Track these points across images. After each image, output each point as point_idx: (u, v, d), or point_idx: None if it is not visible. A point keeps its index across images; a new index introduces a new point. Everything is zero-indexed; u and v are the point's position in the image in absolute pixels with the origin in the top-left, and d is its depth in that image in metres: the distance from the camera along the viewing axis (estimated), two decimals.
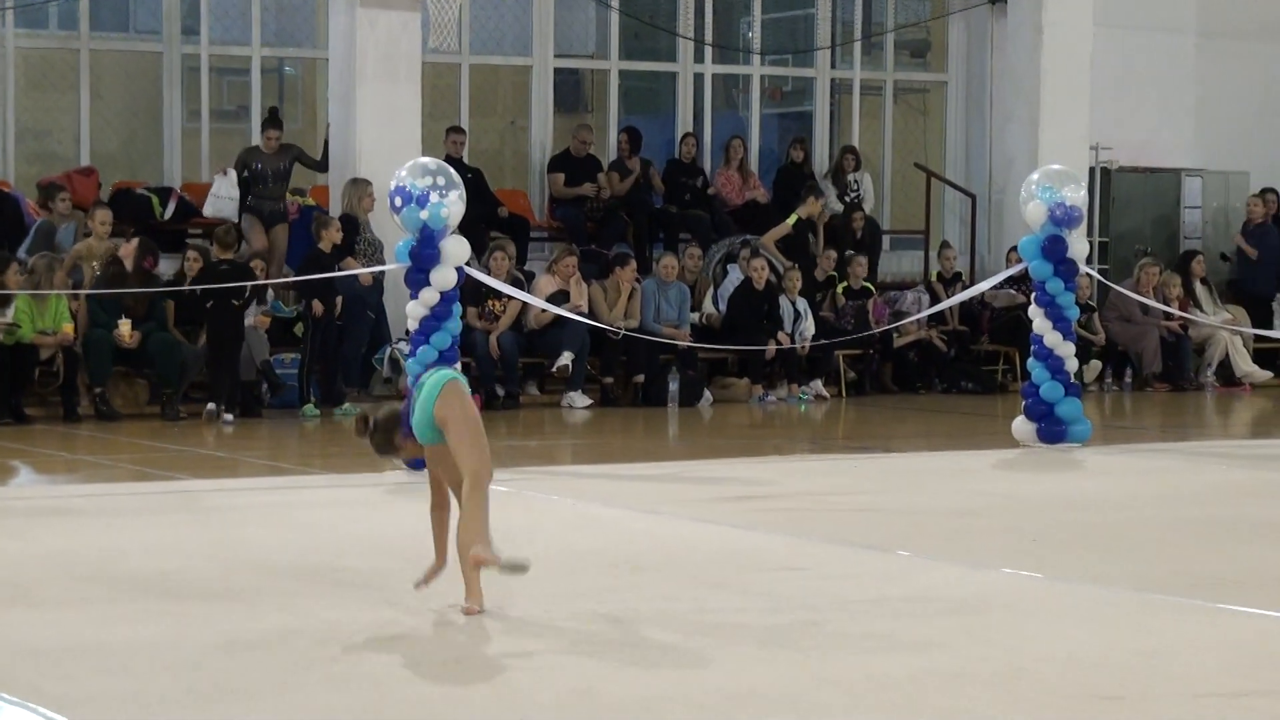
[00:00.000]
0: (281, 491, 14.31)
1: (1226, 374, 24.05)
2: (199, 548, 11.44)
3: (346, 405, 19.52)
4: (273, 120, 21.34)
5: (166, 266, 20.00)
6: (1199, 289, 24.40)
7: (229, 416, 18.55)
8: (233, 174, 21.04)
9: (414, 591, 9.23)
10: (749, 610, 9.40)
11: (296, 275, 19.78)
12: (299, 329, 19.84)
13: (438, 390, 9.20)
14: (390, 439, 9.53)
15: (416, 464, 11.00)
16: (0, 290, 18.23)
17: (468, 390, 9.42)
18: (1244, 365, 24.15)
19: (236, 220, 20.69)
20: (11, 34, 22.16)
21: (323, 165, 21.56)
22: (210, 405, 18.60)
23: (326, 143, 21.59)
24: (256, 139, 22.29)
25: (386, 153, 19.75)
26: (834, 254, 23.17)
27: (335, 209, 20.84)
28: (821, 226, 23.40)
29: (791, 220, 22.89)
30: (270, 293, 19.90)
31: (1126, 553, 11.58)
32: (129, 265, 19.03)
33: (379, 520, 12.97)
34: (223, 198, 21.11)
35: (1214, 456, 17.02)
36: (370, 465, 15.73)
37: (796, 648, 8.55)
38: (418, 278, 14.82)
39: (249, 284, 19.08)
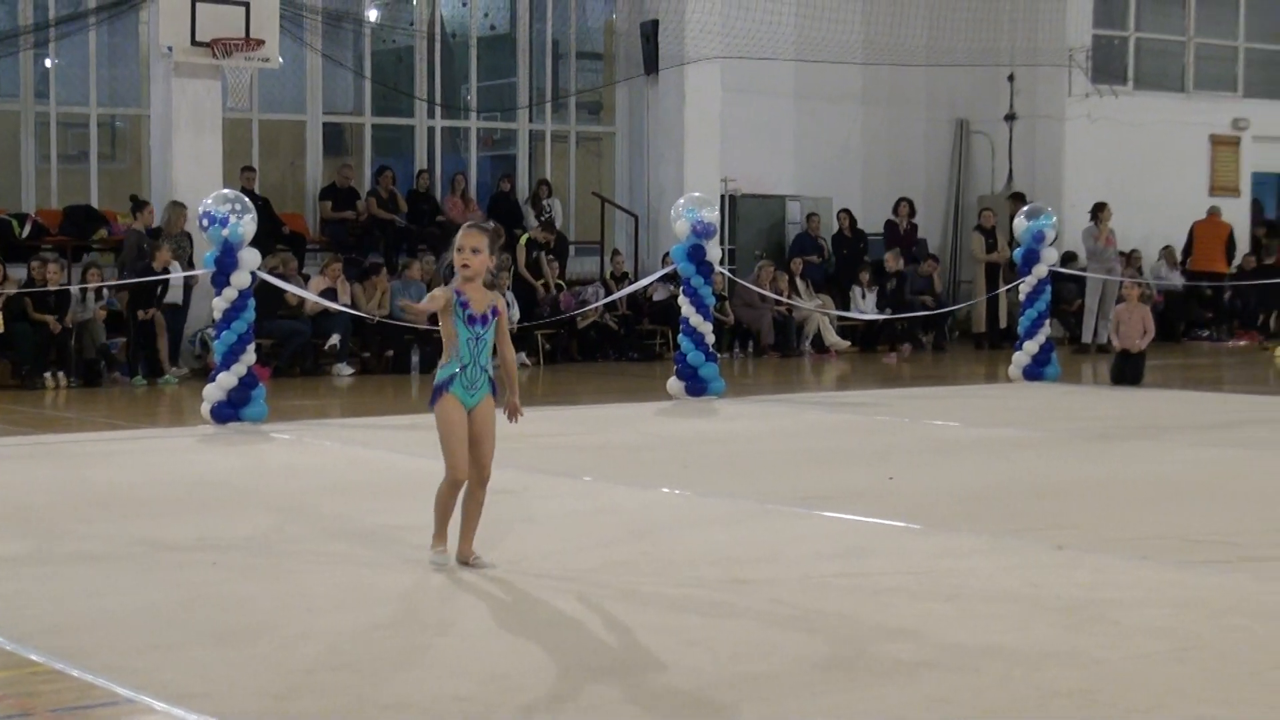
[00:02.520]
0: (117, 442, 13.95)
1: (819, 344, 24.36)
2: (53, 485, 11.15)
3: (168, 375, 19.24)
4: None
5: (19, 272, 19.50)
6: (799, 282, 24.67)
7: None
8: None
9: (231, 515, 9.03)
10: None
11: (123, 281, 19.43)
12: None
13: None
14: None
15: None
16: None
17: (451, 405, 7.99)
18: (831, 337, 24.47)
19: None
20: None
21: None
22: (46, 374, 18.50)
23: None
24: (94, 179, 22.25)
25: (196, 186, 19.45)
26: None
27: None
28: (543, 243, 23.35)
29: (524, 239, 22.84)
30: (106, 291, 19.52)
31: (752, 475, 11.68)
32: None
33: (193, 461, 12.74)
34: None
35: (812, 405, 17.24)
36: (184, 421, 15.49)
37: (509, 551, 8.52)
38: (220, 280, 14.61)
39: (91, 285, 18.85)
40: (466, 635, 6.74)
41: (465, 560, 8.07)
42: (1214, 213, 28.07)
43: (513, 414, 8.22)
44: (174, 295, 19.88)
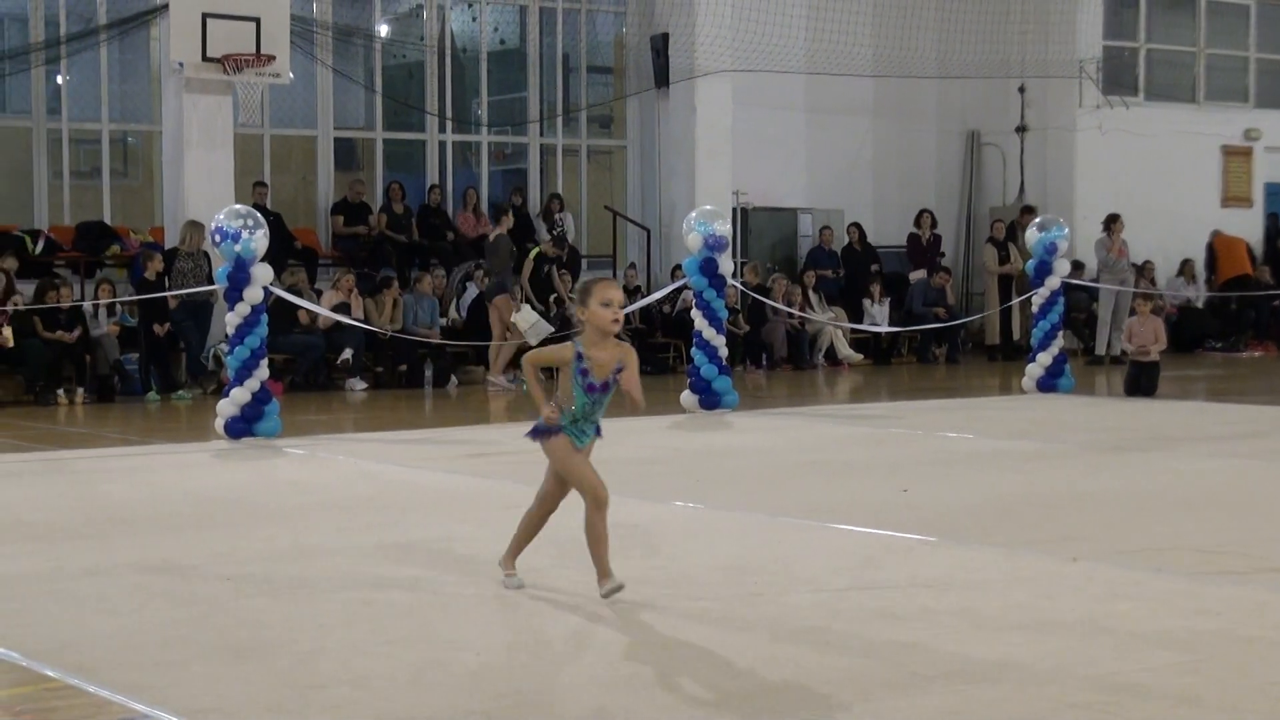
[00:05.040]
0: (131, 458, 13.98)
1: (832, 357, 24.37)
2: (66, 500, 11.17)
3: (181, 391, 19.30)
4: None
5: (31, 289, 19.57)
6: (811, 295, 24.69)
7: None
8: None
9: (244, 530, 9.04)
10: (479, 539, 9.35)
11: (132, 297, 19.51)
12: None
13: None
14: (580, 297, 7.66)
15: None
16: None
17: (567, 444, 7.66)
18: (844, 350, 24.49)
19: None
20: None
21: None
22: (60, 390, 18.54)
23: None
24: (106, 195, 22.37)
25: (208, 202, 19.50)
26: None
27: (172, 243, 20.64)
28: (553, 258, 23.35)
29: (534, 253, 22.84)
30: (120, 307, 19.60)
31: (764, 488, 11.68)
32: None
33: (207, 476, 12.76)
34: None
35: (824, 417, 17.23)
36: (199, 437, 15.51)
37: (521, 566, 8.50)
38: (233, 295, 14.64)
39: (101, 302, 18.94)
40: (481, 651, 6.74)
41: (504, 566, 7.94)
42: (1219, 233, 28.30)
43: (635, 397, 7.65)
44: (201, 312, 19.91)
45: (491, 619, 7.36)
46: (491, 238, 21.46)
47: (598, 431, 7.86)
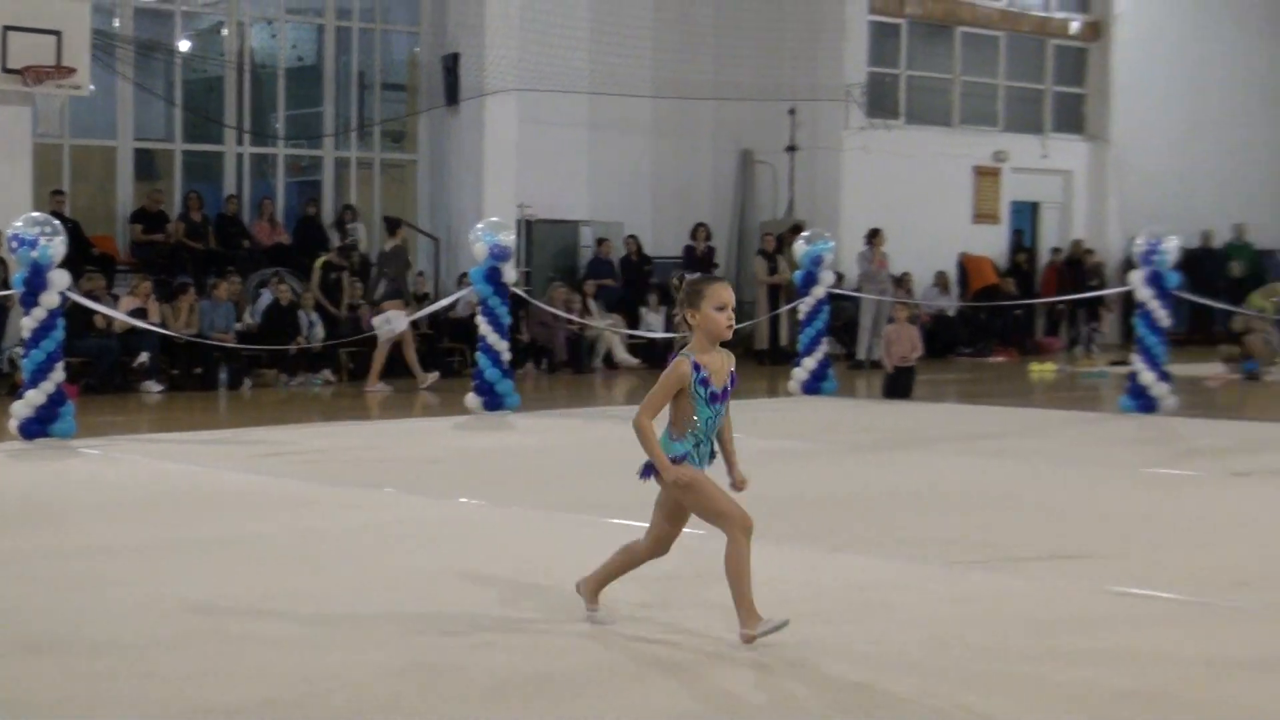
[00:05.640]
0: None
1: (610, 361, 24.42)
2: None
3: None
4: None
5: None
6: (591, 303, 24.71)
7: None
8: None
9: (37, 528, 8.77)
10: (279, 535, 9.21)
11: None
12: None
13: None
14: (689, 298, 6.60)
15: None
16: None
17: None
18: (621, 355, 24.55)
19: None
20: None
21: None
22: None
23: None
24: None
25: (5, 211, 18.90)
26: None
27: None
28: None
29: (320, 261, 22.52)
30: None
31: (543, 485, 11.67)
32: None
33: (0, 478, 12.39)
34: None
35: (602, 418, 17.25)
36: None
37: (314, 560, 8.40)
38: (29, 300, 14.24)
39: None
40: (265, 642, 6.62)
41: (589, 602, 7.00)
42: (966, 254, 29.17)
43: (741, 486, 6.76)
44: None
45: (280, 610, 7.23)
46: (389, 248, 21.25)
47: (712, 454, 6.75)
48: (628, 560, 7.01)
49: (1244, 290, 26.03)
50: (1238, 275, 30.27)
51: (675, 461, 6.64)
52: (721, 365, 6.61)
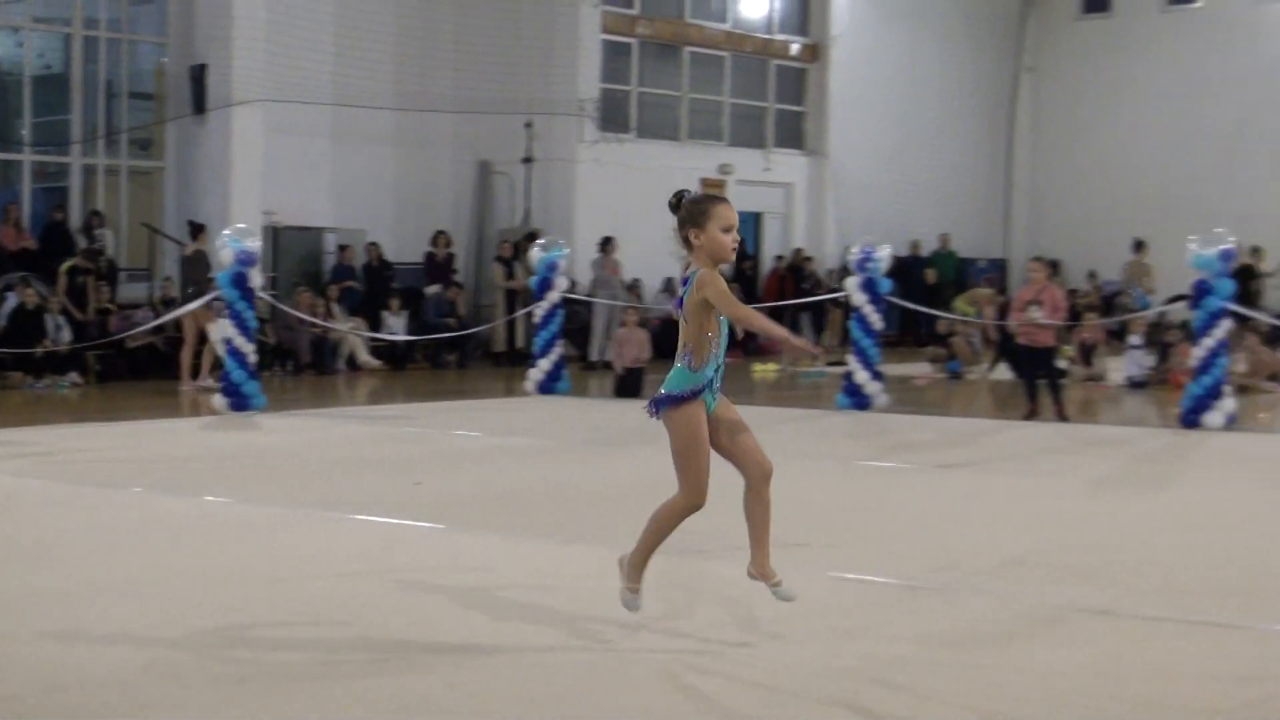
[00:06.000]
0: None
1: (353, 363, 24.30)
2: None
3: None
4: None
5: None
6: (335, 306, 24.56)
7: None
8: None
9: None
10: (22, 535, 9.08)
11: None
12: None
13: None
14: (692, 218, 6.25)
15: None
16: None
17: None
18: (364, 357, 24.45)
19: None
20: None
21: None
22: None
23: None
24: None
25: None
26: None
27: None
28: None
29: (66, 266, 22.01)
30: None
31: (290, 482, 11.64)
32: None
33: None
34: None
35: (346, 418, 17.22)
36: None
37: (59, 560, 8.32)
38: None
39: None
40: (6, 639, 6.58)
41: (767, 579, 6.39)
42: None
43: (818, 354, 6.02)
44: None
45: (23, 610, 7.18)
46: (189, 253, 20.77)
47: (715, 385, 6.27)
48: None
49: (944, 295, 27.00)
50: (932, 282, 31.38)
51: (686, 399, 6.21)
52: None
